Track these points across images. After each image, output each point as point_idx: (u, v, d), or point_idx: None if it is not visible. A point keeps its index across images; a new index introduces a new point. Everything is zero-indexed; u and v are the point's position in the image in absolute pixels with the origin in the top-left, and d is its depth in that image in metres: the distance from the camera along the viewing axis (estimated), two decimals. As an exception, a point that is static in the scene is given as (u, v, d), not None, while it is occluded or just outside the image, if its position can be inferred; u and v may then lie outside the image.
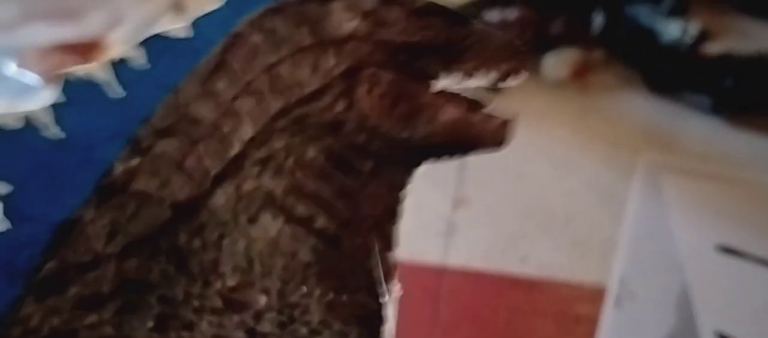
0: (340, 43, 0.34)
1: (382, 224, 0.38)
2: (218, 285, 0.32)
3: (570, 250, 0.99)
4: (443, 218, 1.05)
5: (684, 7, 1.45)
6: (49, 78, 1.30)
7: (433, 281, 0.94)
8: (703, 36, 1.35)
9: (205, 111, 0.32)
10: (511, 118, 0.39)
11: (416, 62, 0.35)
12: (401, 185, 0.39)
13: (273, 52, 0.33)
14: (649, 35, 1.42)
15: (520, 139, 1.19)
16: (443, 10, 0.35)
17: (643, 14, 1.46)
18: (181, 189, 0.32)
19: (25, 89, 1.27)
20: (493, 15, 1.48)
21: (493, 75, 0.38)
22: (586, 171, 1.17)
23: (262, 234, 0.33)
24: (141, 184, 0.32)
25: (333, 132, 0.34)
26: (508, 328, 0.89)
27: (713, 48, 1.40)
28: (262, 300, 0.33)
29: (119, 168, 0.31)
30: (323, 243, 0.34)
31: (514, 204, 1.08)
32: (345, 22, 0.33)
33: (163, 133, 0.32)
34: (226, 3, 0.34)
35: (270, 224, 0.33)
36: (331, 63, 0.34)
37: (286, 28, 0.33)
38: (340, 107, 0.34)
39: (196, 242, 0.32)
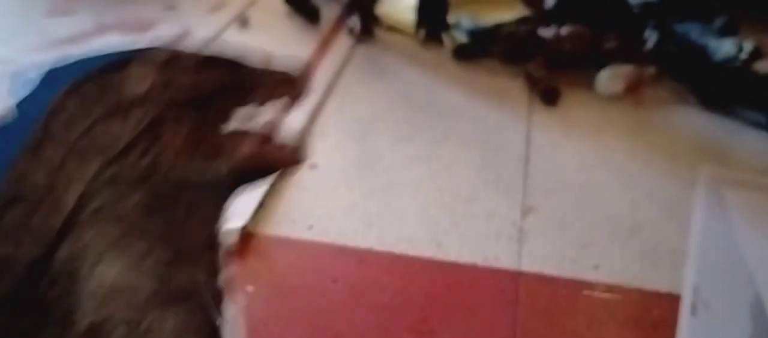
0: (141, 99, 0.37)
1: (207, 250, 0.40)
2: (80, 324, 0.34)
3: (641, 259, 0.97)
4: (514, 226, 1.03)
5: (735, 27, 1.42)
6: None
7: (510, 285, 0.92)
8: (756, 54, 1.33)
9: (39, 177, 0.35)
10: (300, 143, 0.41)
11: (210, 107, 0.38)
12: (218, 216, 0.41)
13: (87, 116, 0.36)
14: (702, 53, 1.40)
15: (580, 150, 1.19)
16: (221, 59, 0.40)
17: (695, 32, 1.44)
18: (32, 248, 0.34)
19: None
20: (548, 31, 1.47)
21: (278, 106, 0.41)
22: (648, 183, 1.15)
23: (108, 275, 0.35)
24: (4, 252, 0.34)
25: (151, 176, 0.37)
26: (589, 332, 0.87)
27: (765, 66, 1.37)
28: (119, 331, 0.35)
29: None
30: (162, 273, 0.37)
31: (581, 213, 1.06)
32: (142, 82, 0.37)
33: (8, 203, 0.34)
34: (41, 83, 0.37)
35: (112, 265, 0.35)
36: (137, 117, 0.36)
37: (94, 94, 0.36)
38: (147, 160, 0.36)
39: (54, 292, 0.34)
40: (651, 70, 1.46)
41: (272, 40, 1.59)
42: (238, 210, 1.00)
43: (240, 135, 0.39)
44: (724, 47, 1.34)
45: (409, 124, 1.30)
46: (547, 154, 1.21)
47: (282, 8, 1.74)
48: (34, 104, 0.36)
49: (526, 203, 1.08)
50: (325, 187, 1.10)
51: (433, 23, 1.62)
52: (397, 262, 0.96)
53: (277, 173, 0.41)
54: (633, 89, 1.44)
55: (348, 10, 1.65)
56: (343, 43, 1.59)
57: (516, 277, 0.94)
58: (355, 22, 1.60)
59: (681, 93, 1.43)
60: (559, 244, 1.00)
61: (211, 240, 0.40)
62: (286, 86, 0.41)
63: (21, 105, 0.37)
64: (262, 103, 0.40)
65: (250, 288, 0.89)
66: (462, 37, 1.61)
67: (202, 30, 1.62)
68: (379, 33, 1.63)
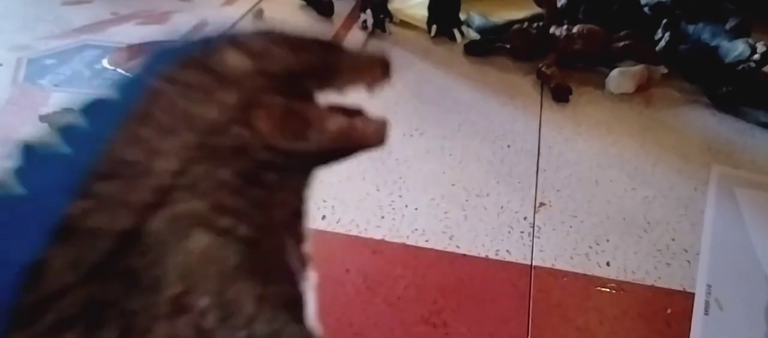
0: (236, 80, 0.36)
1: (292, 224, 0.40)
2: (166, 293, 0.35)
3: (654, 256, 0.95)
4: (526, 220, 1.01)
5: (747, 28, 1.39)
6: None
7: (522, 279, 0.89)
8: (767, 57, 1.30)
9: (135, 154, 0.35)
10: (386, 120, 0.40)
11: (300, 85, 0.38)
12: (304, 188, 0.41)
13: (184, 97, 0.36)
14: (713, 54, 1.37)
15: (591, 147, 1.16)
16: (316, 40, 0.38)
17: (707, 33, 1.41)
18: (125, 220, 0.34)
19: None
20: (559, 30, 1.44)
21: (364, 85, 0.40)
22: (659, 181, 1.13)
23: (196, 247, 0.35)
24: (92, 221, 0.34)
25: (241, 155, 0.37)
26: (601, 328, 0.84)
27: (776, 68, 1.34)
28: (204, 301, 0.35)
29: (73, 212, 0.34)
30: (246, 247, 0.37)
31: (593, 210, 1.04)
32: (237, 63, 0.36)
33: (105, 177, 0.34)
34: (144, 65, 0.36)
35: (201, 238, 0.36)
36: (231, 98, 0.36)
37: (192, 77, 0.36)
38: (242, 133, 0.36)
39: (143, 262, 0.35)
40: (662, 69, 1.43)
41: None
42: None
43: (328, 113, 0.38)
44: (736, 48, 1.32)
45: (421, 118, 1.27)
46: (558, 150, 1.19)
47: (296, 1, 1.72)
48: (135, 85, 0.36)
49: (537, 199, 1.06)
50: (338, 178, 1.08)
51: (444, 19, 1.59)
52: (409, 253, 0.93)
53: (362, 149, 0.40)
54: (644, 89, 1.41)
55: (361, 5, 1.63)
56: (355, 37, 1.57)
57: (528, 271, 0.92)
58: (367, 16, 1.58)
59: (692, 93, 1.41)
60: (571, 240, 0.98)
61: (296, 212, 0.40)
62: (373, 69, 0.40)
63: (122, 85, 0.36)
64: (349, 84, 0.39)
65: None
66: (473, 34, 1.59)
67: (216, 22, 1.60)
68: (391, 28, 1.61)
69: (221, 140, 0.36)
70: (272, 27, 0.37)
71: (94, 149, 0.34)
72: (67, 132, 0.35)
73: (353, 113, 0.39)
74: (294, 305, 0.38)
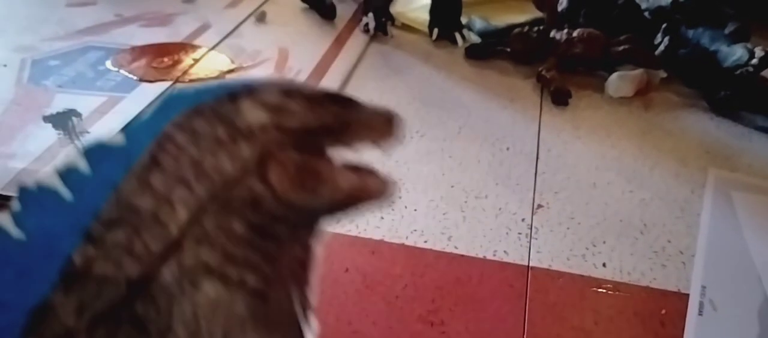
0: (251, 134, 0.36)
1: (299, 275, 0.41)
2: None
3: (650, 258, 0.97)
4: (523, 222, 1.03)
5: (747, 33, 1.41)
6: (140, 75, 1.31)
7: (519, 279, 0.91)
8: (767, 60, 1.32)
9: (144, 203, 0.35)
10: (392, 179, 0.41)
11: (314, 141, 0.38)
12: (311, 241, 0.42)
13: (196, 147, 0.36)
14: (712, 58, 1.39)
15: (590, 151, 1.18)
16: (332, 96, 0.39)
17: (706, 38, 1.43)
18: (132, 269, 0.35)
19: (120, 85, 1.28)
20: (559, 34, 1.46)
21: (375, 142, 0.41)
22: (657, 184, 1.14)
23: (205, 298, 0.36)
24: (99, 268, 0.34)
25: (253, 208, 0.37)
26: (597, 328, 0.86)
27: (774, 73, 1.36)
28: None
29: (78, 258, 0.34)
30: (254, 299, 0.37)
31: (590, 212, 1.06)
32: (253, 116, 0.36)
33: (111, 224, 0.34)
34: (154, 111, 0.36)
35: (210, 289, 0.36)
36: (246, 151, 0.36)
37: (205, 127, 0.36)
38: (257, 187, 0.37)
39: (151, 311, 0.35)
40: (661, 74, 1.45)
41: (288, 36, 1.59)
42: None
43: (340, 169, 0.39)
44: (735, 53, 1.33)
45: (421, 120, 1.29)
46: (557, 153, 1.21)
47: (298, 4, 1.74)
48: (144, 131, 0.36)
49: (535, 201, 1.08)
50: (338, 179, 1.10)
51: (446, 23, 1.61)
52: (408, 253, 0.95)
53: (371, 204, 0.41)
54: (643, 93, 1.43)
55: (363, 8, 1.65)
56: (357, 40, 1.59)
57: (525, 272, 0.93)
58: (369, 19, 1.60)
59: (690, 97, 1.43)
60: (568, 241, 0.99)
61: (303, 263, 0.42)
62: (382, 125, 0.41)
63: (130, 131, 0.36)
64: (360, 141, 0.40)
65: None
66: (474, 37, 1.61)
67: (219, 24, 1.62)
68: (393, 31, 1.63)
69: (235, 192, 0.36)
70: (290, 81, 0.38)
71: (99, 194, 0.34)
72: (69, 177, 0.35)
73: (363, 170, 0.40)
74: None
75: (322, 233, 0.41)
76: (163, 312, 0.35)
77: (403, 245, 0.96)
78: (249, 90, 0.37)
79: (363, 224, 0.99)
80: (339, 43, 1.54)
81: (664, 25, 1.46)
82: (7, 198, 0.99)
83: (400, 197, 1.06)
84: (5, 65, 1.36)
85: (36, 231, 0.34)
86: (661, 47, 1.43)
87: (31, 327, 0.33)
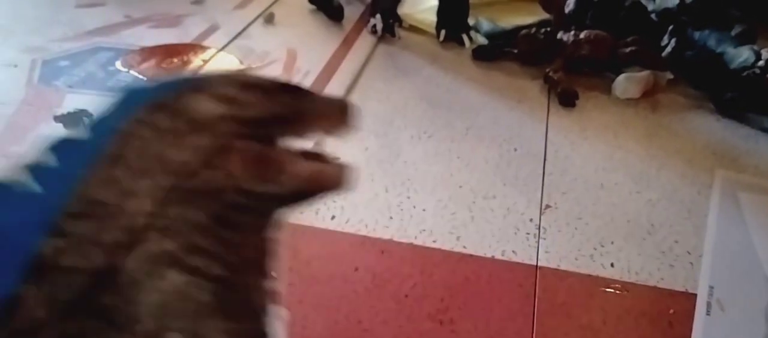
0: (209, 125, 0.38)
1: (260, 263, 0.42)
2: (139, 329, 0.36)
3: (657, 258, 0.97)
4: (531, 222, 1.04)
5: (753, 35, 1.42)
6: (150, 76, 1.32)
7: (528, 279, 0.92)
8: (773, 62, 1.32)
9: (108, 195, 0.36)
10: (349, 165, 0.42)
11: (271, 130, 0.40)
12: (271, 229, 0.43)
13: (157, 140, 0.37)
14: (719, 60, 1.40)
15: (597, 151, 1.19)
16: (286, 87, 0.40)
17: (712, 40, 1.43)
18: (98, 259, 0.36)
19: (130, 85, 1.29)
20: (566, 35, 1.47)
21: (330, 131, 0.42)
22: (664, 185, 1.15)
23: (170, 286, 0.37)
24: (67, 260, 0.35)
25: (215, 198, 0.38)
26: (605, 328, 0.87)
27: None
28: (176, 337, 0.37)
29: (47, 249, 0.35)
30: (217, 286, 0.38)
31: (598, 212, 1.07)
32: (210, 109, 0.38)
33: (78, 216, 0.36)
34: (116, 106, 0.38)
35: (175, 278, 0.37)
36: (206, 142, 0.38)
37: (165, 120, 0.37)
38: (217, 178, 0.38)
39: (118, 301, 0.36)
40: (668, 75, 1.46)
41: (296, 37, 1.60)
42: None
43: (297, 157, 0.40)
44: (742, 55, 1.34)
45: (429, 121, 1.30)
46: (564, 154, 1.21)
47: (306, 6, 1.75)
48: (107, 126, 0.37)
49: (543, 201, 1.09)
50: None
51: (453, 24, 1.62)
52: (417, 253, 0.96)
53: (328, 192, 0.41)
54: (650, 94, 1.44)
55: (371, 9, 1.66)
56: (365, 41, 1.60)
57: (534, 271, 0.94)
58: (377, 21, 1.61)
59: (697, 99, 1.43)
60: (576, 241, 1.00)
61: (264, 251, 0.42)
62: (336, 115, 0.42)
63: (94, 126, 0.38)
64: (312, 130, 0.42)
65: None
66: (481, 39, 1.62)
67: (228, 25, 1.63)
68: (401, 32, 1.64)
69: (194, 182, 0.37)
70: (244, 74, 0.39)
71: (65, 188, 0.36)
72: (36, 171, 0.36)
73: (319, 157, 0.41)
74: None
75: (282, 222, 0.42)
76: (129, 301, 0.36)
77: (412, 244, 0.97)
78: (205, 84, 0.38)
79: (372, 224, 1.00)
80: (347, 44, 1.55)
81: (670, 27, 1.46)
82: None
83: (408, 198, 1.07)
84: (16, 66, 1.38)
85: (4, 225, 0.35)
86: (668, 49, 1.44)
87: (0, 320, 0.34)
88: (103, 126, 0.37)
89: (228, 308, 0.39)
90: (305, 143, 0.41)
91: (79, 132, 0.37)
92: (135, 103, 0.38)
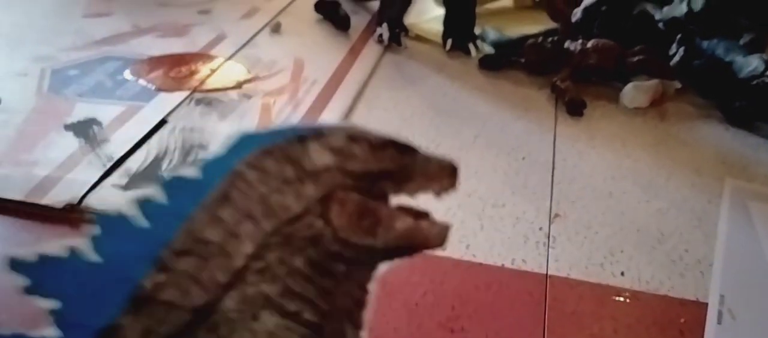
0: (316, 175, 0.39)
1: (353, 313, 0.44)
2: None
3: (668, 266, 0.97)
4: (541, 230, 1.04)
5: (762, 44, 1.42)
6: (159, 84, 1.33)
7: (538, 287, 0.92)
8: (782, 71, 1.32)
9: (213, 234, 0.38)
10: (449, 225, 0.45)
11: (376, 185, 0.41)
12: (367, 281, 0.45)
13: (265, 185, 0.39)
14: (727, 69, 1.40)
15: (605, 160, 1.19)
16: (395, 143, 0.41)
17: (721, 49, 1.44)
18: (198, 297, 0.38)
19: (139, 94, 1.30)
20: (575, 45, 1.47)
21: (433, 190, 0.44)
22: (673, 194, 1.15)
23: (263, 328, 0.39)
24: (166, 295, 0.37)
25: (314, 245, 0.40)
26: (616, 336, 0.87)
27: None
28: None
29: (148, 283, 0.37)
30: (310, 331, 0.41)
31: (607, 221, 1.07)
32: (319, 158, 0.39)
33: (181, 253, 0.37)
34: (228, 149, 0.39)
35: (269, 320, 0.39)
36: (310, 191, 0.39)
37: (274, 166, 0.39)
38: (318, 225, 0.40)
39: (214, 337, 0.38)
40: (676, 84, 1.46)
41: (303, 46, 1.61)
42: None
43: (397, 213, 0.42)
44: (751, 64, 1.34)
45: (437, 129, 1.31)
46: (573, 163, 1.22)
47: (313, 15, 1.76)
48: (218, 167, 0.39)
49: (553, 209, 1.09)
50: (356, 187, 1.11)
51: (459, 34, 1.63)
52: (427, 261, 0.96)
53: (428, 250, 0.45)
54: (658, 103, 1.44)
55: (377, 19, 1.67)
56: (371, 50, 1.61)
57: (544, 280, 0.94)
58: (383, 30, 1.62)
59: (706, 108, 1.44)
60: (586, 250, 1.00)
61: (358, 301, 0.45)
62: (443, 175, 0.44)
63: (205, 166, 0.39)
64: (419, 189, 0.43)
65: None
66: (488, 48, 1.63)
67: (235, 35, 1.64)
68: (407, 42, 1.64)
69: (297, 229, 0.39)
70: (355, 126, 0.41)
71: (172, 225, 0.37)
72: (146, 207, 0.37)
73: (420, 215, 0.44)
74: None
75: (377, 274, 0.45)
76: None
77: (421, 253, 0.97)
78: (317, 134, 0.40)
79: (381, 233, 1.00)
80: (353, 53, 1.56)
81: (678, 36, 1.47)
82: (31, 206, 1.01)
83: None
84: (26, 75, 1.39)
85: (111, 256, 0.36)
86: (676, 58, 1.44)
87: None
88: (214, 167, 0.39)
89: None
90: (409, 200, 0.43)
91: (191, 172, 0.39)
92: (247, 147, 0.39)
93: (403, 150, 0.42)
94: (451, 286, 0.93)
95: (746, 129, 1.35)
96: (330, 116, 1.30)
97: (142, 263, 0.36)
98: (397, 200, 0.44)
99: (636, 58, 1.43)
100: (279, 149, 0.39)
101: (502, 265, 0.97)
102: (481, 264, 0.97)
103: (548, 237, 1.03)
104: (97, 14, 1.70)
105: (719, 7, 1.52)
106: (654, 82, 1.42)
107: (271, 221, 0.38)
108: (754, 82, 1.32)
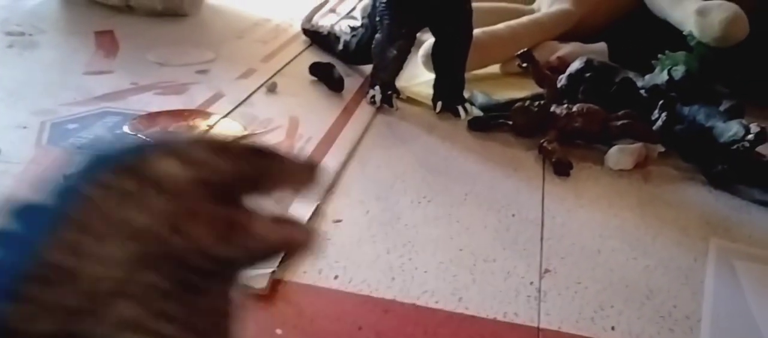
0: (160, 184, 0.36)
1: (222, 326, 0.42)
2: None
3: (656, 322, 0.97)
4: (532, 285, 1.04)
5: (741, 110, 1.46)
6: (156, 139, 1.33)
7: (530, 341, 0.91)
8: (761, 136, 1.36)
9: (70, 261, 0.35)
10: (313, 228, 0.42)
11: (238, 192, 0.39)
12: (231, 290, 0.42)
13: (122, 205, 0.36)
14: (708, 134, 1.43)
15: (593, 219, 1.20)
16: (249, 147, 0.39)
17: (702, 115, 1.47)
18: (58, 324, 0.35)
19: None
20: (561, 109, 1.50)
21: (295, 191, 0.41)
22: (660, 252, 1.16)
23: None
24: (28, 325, 0.35)
25: (176, 264, 0.37)
26: (609, 389, 0.86)
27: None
28: None
29: (9, 315, 0.34)
30: None
31: (597, 277, 1.07)
32: (165, 168, 0.36)
33: (31, 281, 0.35)
34: (80, 171, 0.37)
35: None
36: (157, 202, 0.36)
37: (114, 180, 0.36)
38: (174, 239, 0.37)
39: None
40: (659, 148, 1.49)
41: (298, 106, 1.63)
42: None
43: (256, 218, 0.39)
44: (731, 129, 1.38)
45: (428, 186, 1.31)
46: (561, 221, 1.22)
47: (307, 77, 1.79)
48: (67, 192, 0.36)
49: (542, 265, 1.09)
50: (349, 241, 1.11)
51: (449, 97, 1.66)
52: (420, 313, 0.96)
53: (289, 254, 0.41)
54: (642, 166, 1.47)
55: (370, 82, 1.70)
56: (364, 110, 1.63)
57: (536, 333, 0.94)
58: (376, 92, 1.64)
59: (688, 171, 1.46)
60: (576, 304, 1.00)
61: (225, 313, 0.42)
62: (303, 173, 0.41)
63: (56, 191, 0.36)
64: (279, 190, 0.41)
65: (279, 331, 0.89)
66: (477, 111, 1.66)
67: (232, 93, 1.66)
68: (398, 103, 1.67)
69: (159, 247, 0.36)
70: (206, 135, 0.40)
71: (26, 253, 0.35)
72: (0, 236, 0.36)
73: (285, 220, 0.41)
74: None
75: (243, 283, 0.42)
76: None
77: (414, 305, 0.97)
78: (172, 147, 0.37)
79: (375, 285, 1.00)
80: (347, 113, 1.58)
81: (660, 102, 1.50)
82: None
83: (410, 259, 1.07)
84: (25, 127, 1.39)
85: None
86: (658, 123, 1.47)
87: None
88: (66, 191, 0.36)
89: None
90: (273, 206, 0.40)
91: (42, 197, 0.36)
92: (100, 166, 0.37)
93: (263, 155, 0.40)
94: (444, 336, 0.92)
95: (728, 192, 1.37)
96: (324, 172, 1.31)
97: (2, 295, 0.34)
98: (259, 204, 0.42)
99: (620, 123, 1.46)
100: (133, 165, 0.36)
101: (495, 318, 0.96)
102: (473, 317, 0.96)
103: (539, 292, 1.02)
104: (97, 71, 1.71)
105: (699, 77, 1.57)
106: (638, 145, 1.44)
107: (132, 243, 0.36)
108: (734, 146, 1.35)
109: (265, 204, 0.40)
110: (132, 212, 0.36)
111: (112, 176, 0.36)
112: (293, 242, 0.41)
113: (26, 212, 0.36)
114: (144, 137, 0.39)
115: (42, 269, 0.35)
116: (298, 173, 0.41)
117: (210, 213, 0.37)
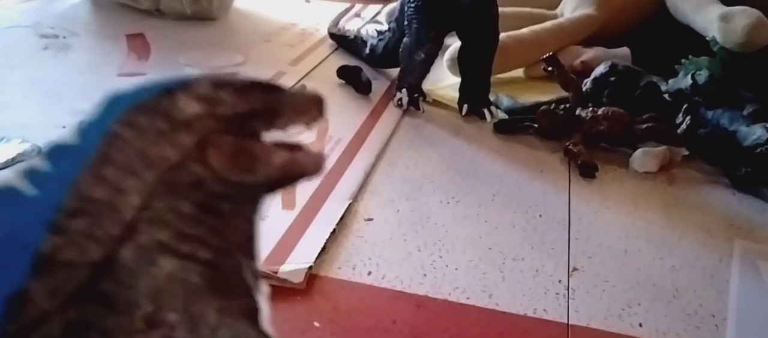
0: (187, 123, 0.41)
1: (246, 246, 0.46)
2: (139, 313, 0.40)
3: (683, 319, 1.00)
4: (560, 283, 1.06)
5: (765, 114, 1.47)
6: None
7: (560, 336, 0.94)
8: (785, 140, 1.37)
9: (100, 193, 0.40)
10: (323, 153, 0.46)
11: (247, 125, 0.43)
12: (254, 214, 0.46)
13: (140, 140, 0.41)
14: (731, 138, 1.45)
15: (619, 220, 1.22)
16: (260, 84, 0.44)
17: (725, 118, 1.49)
18: (95, 252, 0.39)
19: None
20: (586, 112, 1.53)
21: (302, 124, 0.46)
22: (685, 252, 1.18)
23: (162, 272, 0.41)
24: (65, 255, 0.39)
25: (197, 188, 0.42)
26: (637, 384, 0.88)
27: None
28: (173, 316, 0.40)
29: (47, 247, 0.39)
30: (207, 268, 0.42)
31: (624, 276, 1.09)
32: (188, 108, 0.41)
33: (73, 214, 0.39)
34: (101, 112, 0.42)
35: (166, 264, 0.41)
36: (185, 139, 0.41)
37: (147, 121, 0.41)
38: (198, 169, 0.42)
39: (117, 287, 0.40)
40: (683, 151, 1.50)
41: (327, 108, 1.66)
42: (305, 253, 1.05)
43: (272, 148, 0.44)
44: (754, 133, 1.39)
45: (456, 187, 1.34)
46: (587, 222, 1.25)
47: (335, 80, 1.83)
48: (94, 130, 0.41)
49: (570, 264, 1.11)
50: (381, 238, 1.14)
51: (475, 100, 1.69)
52: (452, 308, 0.99)
53: (306, 179, 0.46)
54: (666, 169, 1.48)
55: (397, 85, 1.73)
56: (391, 113, 1.66)
57: (565, 329, 0.96)
58: (402, 95, 1.67)
59: (712, 174, 1.48)
60: (604, 302, 1.03)
61: (249, 235, 0.46)
62: (311, 107, 0.46)
63: (83, 131, 0.42)
64: (289, 124, 0.45)
65: (316, 324, 0.92)
66: (502, 114, 1.68)
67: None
68: (425, 106, 1.70)
69: (179, 176, 0.41)
70: (220, 74, 0.43)
71: (60, 189, 0.39)
72: (32, 176, 0.40)
73: (294, 147, 0.45)
74: (251, 314, 0.45)
75: (263, 207, 0.46)
76: (127, 287, 0.40)
77: (446, 300, 1.00)
78: (183, 85, 0.41)
79: (407, 281, 1.03)
80: (374, 115, 1.62)
81: (684, 106, 1.52)
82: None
83: (440, 257, 1.10)
84: (64, 127, 1.44)
85: (9, 227, 0.38)
86: (682, 127, 1.49)
87: (10, 314, 0.37)
88: (90, 130, 0.41)
89: (218, 287, 0.42)
90: (283, 135, 0.45)
91: (69, 139, 0.41)
92: (118, 107, 0.41)
93: (269, 90, 0.43)
94: (476, 332, 0.95)
95: (752, 194, 1.38)
96: (355, 172, 1.34)
97: (37, 229, 0.38)
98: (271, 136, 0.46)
99: (645, 126, 1.48)
100: (148, 104, 0.41)
101: (525, 314, 0.99)
102: (504, 313, 0.99)
103: (568, 289, 1.05)
104: (130, 74, 1.76)
105: (722, 81, 1.59)
106: (662, 148, 1.46)
107: (152, 173, 0.40)
108: (758, 150, 1.36)
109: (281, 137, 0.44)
110: (151, 146, 0.40)
111: (132, 115, 0.41)
112: (300, 165, 0.45)
113: (55, 152, 0.41)
114: (161, 79, 0.43)
115: (76, 203, 0.39)
116: (303, 104, 0.46)
117: (221, 143, 0.42)
